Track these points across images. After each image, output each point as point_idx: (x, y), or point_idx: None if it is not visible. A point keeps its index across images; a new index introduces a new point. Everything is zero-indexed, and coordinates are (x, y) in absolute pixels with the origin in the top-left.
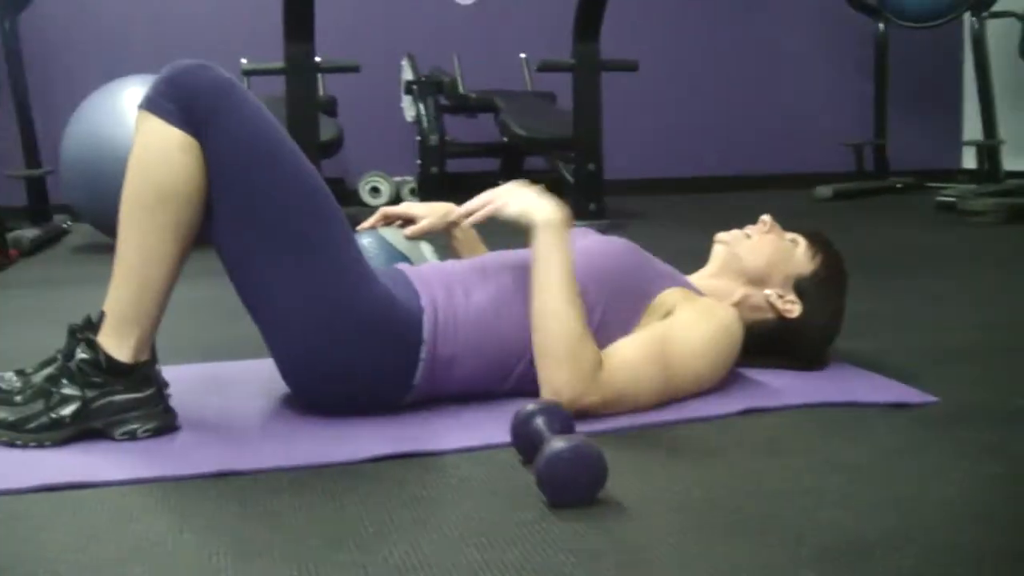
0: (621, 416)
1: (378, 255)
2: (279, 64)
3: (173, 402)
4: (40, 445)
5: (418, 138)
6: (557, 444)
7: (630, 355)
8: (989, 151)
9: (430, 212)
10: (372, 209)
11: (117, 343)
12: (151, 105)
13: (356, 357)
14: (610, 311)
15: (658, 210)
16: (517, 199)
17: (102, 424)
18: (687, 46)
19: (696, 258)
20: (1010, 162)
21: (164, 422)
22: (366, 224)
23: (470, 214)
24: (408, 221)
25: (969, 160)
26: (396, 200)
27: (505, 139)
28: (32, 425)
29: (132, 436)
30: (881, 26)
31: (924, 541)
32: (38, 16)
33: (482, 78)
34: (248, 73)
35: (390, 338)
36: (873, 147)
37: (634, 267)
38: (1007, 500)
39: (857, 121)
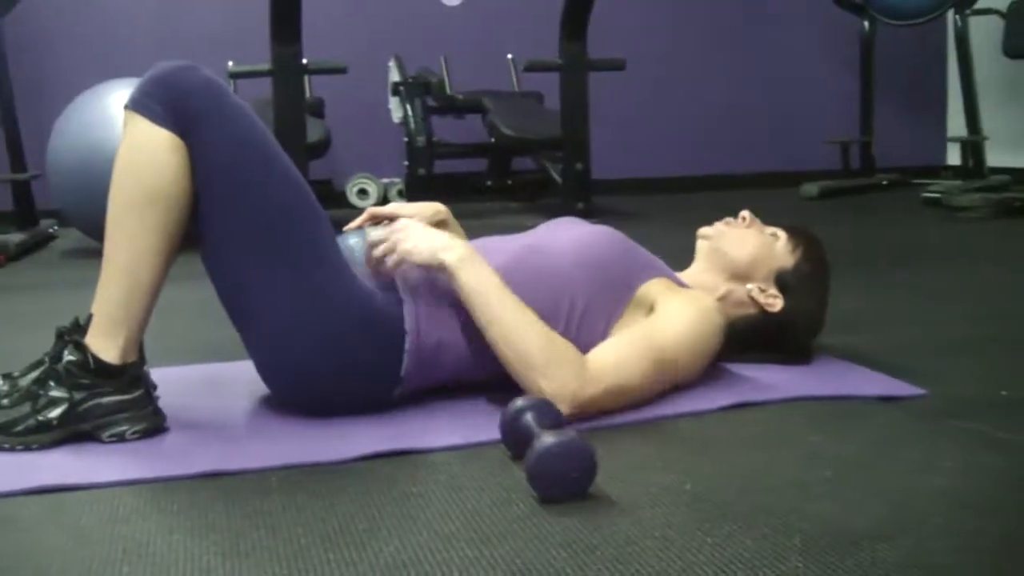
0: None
1: (365, 254)
2: (266, 66)
3: (162, 403)
4: (28, 448)
5: (405, 139)
6: (547, 439)
7: (618, 349)
8: (973, 147)
9: (417, 212)
10: (359, 211)
11: (105, 345)
12: (138, 106)
13: (339, 357)
14: (594, 299)
15: (645, 209)
16: (422, 244)
17: (90, 426)
18: (673, 46)
19: (683, 257)
20: (994, 158)
21: (153, 423)
22: (354, 224)
23: (380, 220)
24: (395, 221)
25: (954, 156)
26: (384, 201)
27: (493, 140)
28: (19, 428)
29: (121, 438)
30: (866, 24)
31: (913, 531)
32: (23, 18)
33: (469, 79)
34: (235, 75)
35: (372, 339)
36: (859, 145)
37: (619, 256)
38: (995, 490)
39: (843, 119)
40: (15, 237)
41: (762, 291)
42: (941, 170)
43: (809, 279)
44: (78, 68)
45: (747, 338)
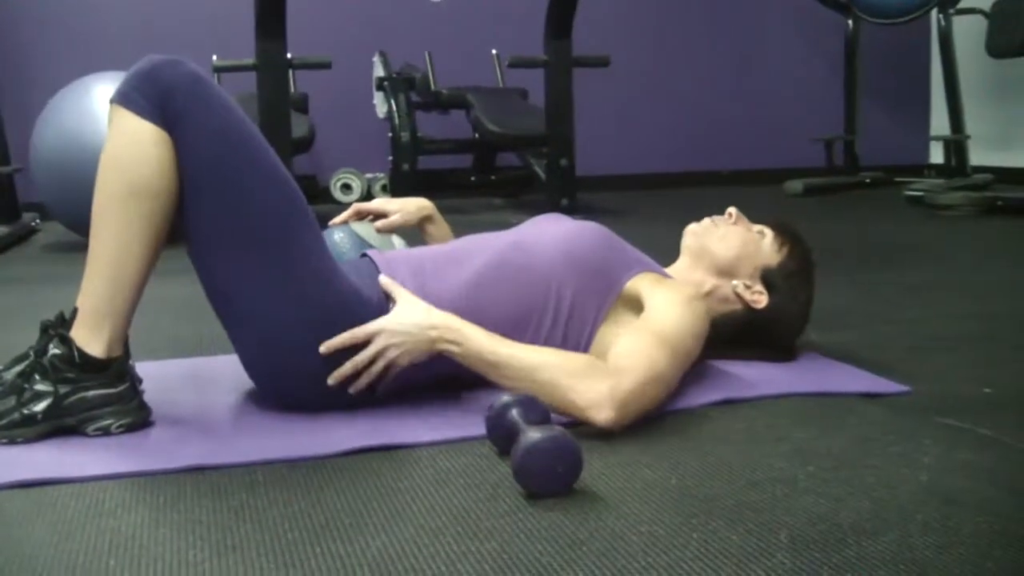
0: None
1: (350, 249)
2: (251, 61)
3: (147, 398)
4: (12, 442)
5: (390, 135)
6: (533, 435)
7: (631, 346)
8: (956, 146)
9: (402, 207)
10: (343, 206)
11: (90, 338)
12: (124, 100)
13: (323, 359)
14: (580, 296)
15: (630, 206)
16: (409, 344)
17: (75, 420)
18: (659, 42)
19: (668, 253)
20: (977, 157)
21: (138, 417)
22: (338, 219)
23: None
24: (380, 217)
25: (937, 155)
26: (368, 197)
27: (477, 135)
28: (4, 421)
29: (106, 432)
30: (850, 23)
31: (897, 527)
32: (7, 11)
33: (454, 75)
34: (219, 70)
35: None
36: (843, 142)
37: (605, 251)
38: (978, 485)
39: (827, 117)
40: None
41: (747, 288)
42: (924, 168)
43: (795, 277)
44: (62, 61)
45: (732, 334)
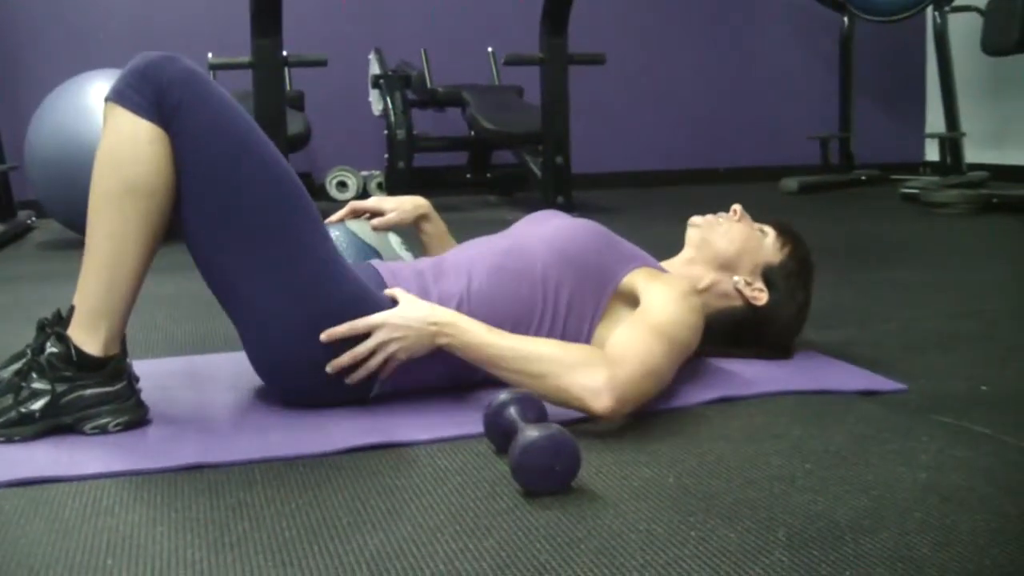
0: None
1: (346, 248)
2: (246, 59)
3: (144, 396)
4: (10, 440)
5: (386, 132)
6: (531, 433)
7: (628, 336)
8: (952, 143)
9: (398, 206)
10: (339, 203)
11: (87, 337)
12: (119, 97)
13: (324, 349)
14: (577, 293)
15: (625, 204)
16: (410, 340)
17: (72, 419)
18: (654, 40)
19: (664, 250)
20: (972, 154)
21: (135, 416)
22: (334, 217)
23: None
24: (377, 214)
25: (932, 153)
26: (363, 195)
27: (473, 133)
28: (1, 420)
29: (103, 430)
30: (846, 20)
31: (895, 525)
32: (1, 10)
33: (450, 72)
34: (215, 67)
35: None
36: (839, 140)
37: (601, 248)
38: (975, 483)
39: (823, 115)
40: None
41: (748, 284)
42: (920, 166)
43: (795, 277)
44: (57, 59)
45: (730, 330)
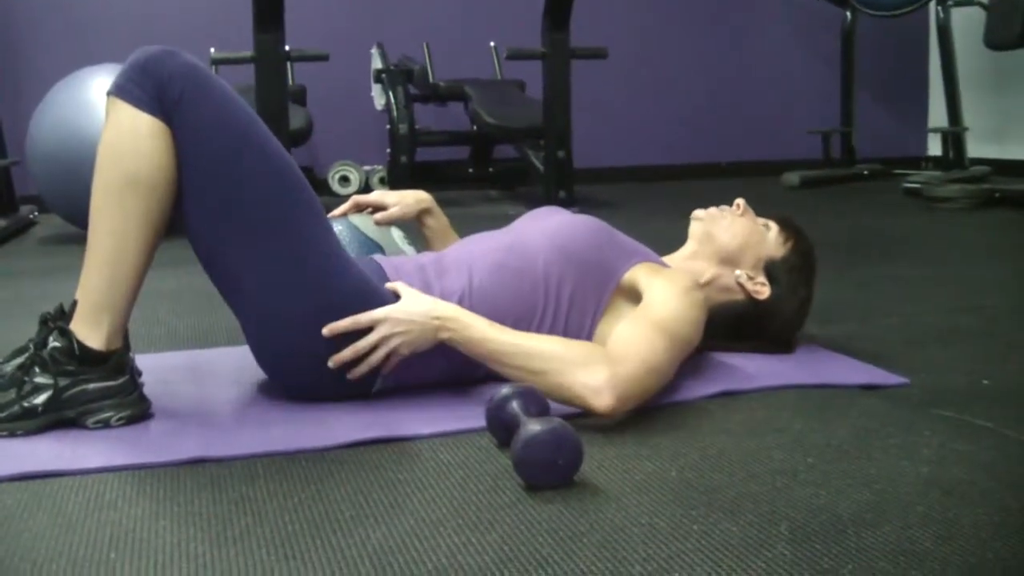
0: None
1: (349, 242)
2: (249, 53)
3: (147, 390)
4: (12, 434)
5: (388, 127)
6: (534, 427)
7: (630, 334)
8: (954, 138)
9: (401, 200)
10: (341, 198)
11: (90, 331)
12: (121, 91)
13: (327, 343)
14: (578, 290)
15: (627, 198)
16: (413, 335)
17: (75, 413)
18: (656, 35)
19: (666, 245)
20: (975, 149)
21: (138, 410)
22: (338, 212)
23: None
24: (379, 209)
25: (935, 147)
26: (366, 189)
27: (475, 128)
28: (4, 414)
29: (105, 424)
30: (848, 15)
31: (897, 518)
32: (3, 3)
33: (452, 67)
34: (217, 62)
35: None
36: (840, 135)
37: (601, 244)
38: (977, 477)
39: (824, 109)
40: None
41: (751, 278)
42: (922, 161)
43: (797, 272)
44: (59, 54)
45: (732, 324)
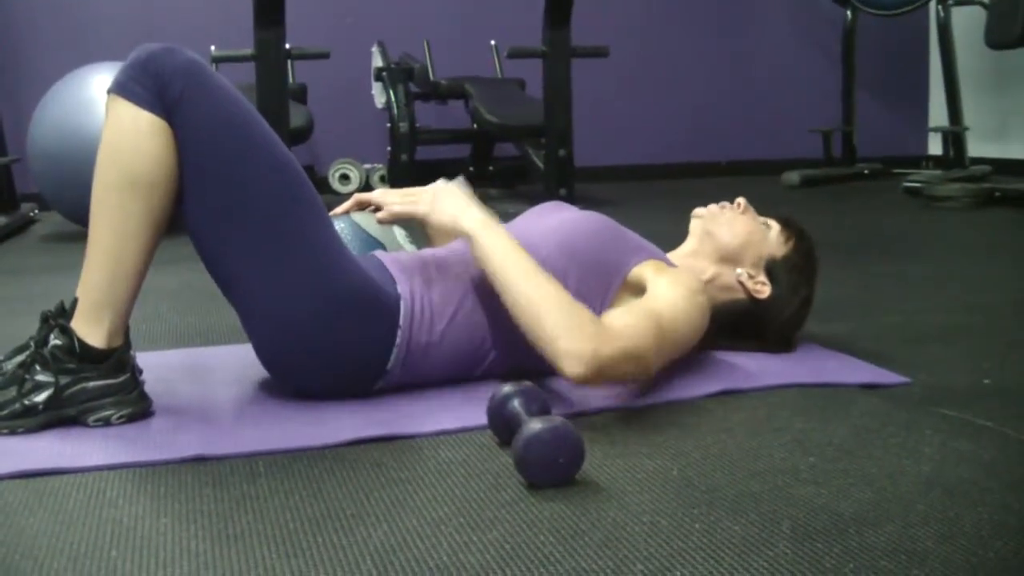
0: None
1: (351, 240)
2: (249, 51)
3: (147, 388)
4: (13, 432)
5: (388, 125)
6: (535, 425)
7: (626, 316)
8: (955, 137)
9: (403, 198)
10: (341, 196)
11: (91, 329)
12: (121, 89)
13: (329, 333)
14: (583, 285)
15: (627, 197)
16: (445, 206)
17: (76, 411)
18: (657, 33)
19: (666, 243)
20: (975, 148)
21: (139, 408)
22: (339, 209)
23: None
24: (381, 207)
25: (935, 147)
26: (366, 187)
27: (475, 126)
28: (5, 412)
29: (106, 422)
30: (849, 14)
31: (898, 517)
32: (3, 2)
33: (452, 65)
34: (217, 60)
35: (364, 317)
36: (841, 134)
37: (607, 241)
38: (979, 476)
39: (825, 108)
40: None
41: (751, 277)
42: (922, 160)
43: (798, 271)
44: (59, 52)
45: (732, 323)
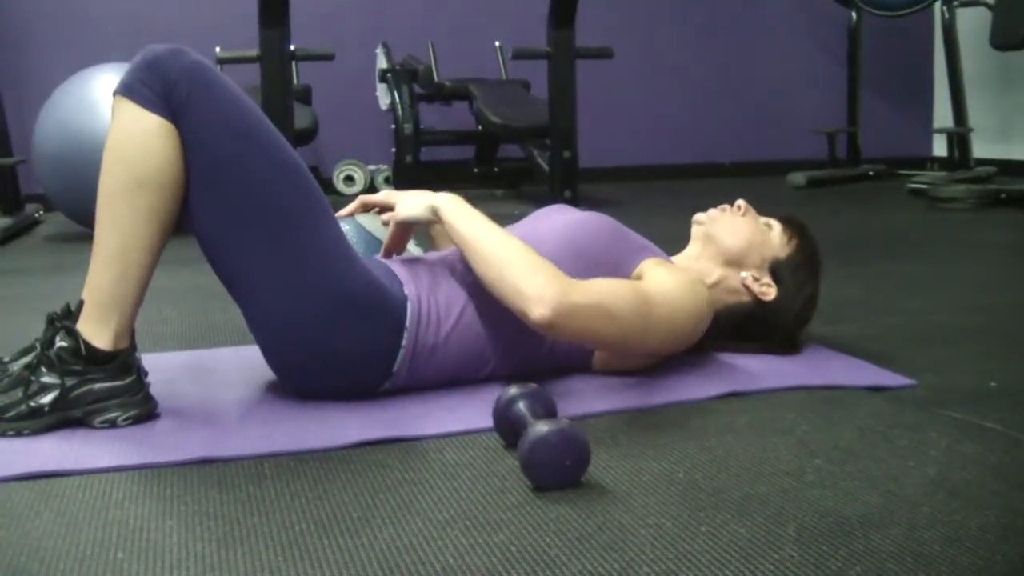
0: (606, 386)
1: (356, 242)
2: (254, 53)
3: (153, 390)
4: (19, 434)
5: (393, 126)
6: (541, 428)
7: (603, 280)
8: (959, 139)
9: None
10: (346, 198)
11: (96, 330)
12: (127, 90)
13: (336, 335)
14: None
15: (633, 198)
16: (414, 199)
17: (81, 412)
18: (662, 34)
19: (671, 244)
20: (980, 149)
21: (144, 410)
22: (344, 211)
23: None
24: (386, 209)
25: (940, 148)
26: (371, 189)
27: (480, 127)
28: (11, 414)
29: (112, 424)
30: (853, 15)
31: (904, 520)
32: (8, 3)
33: (457, 66)
34: (223, 62)
35: (371, 319)
36: (846, 135)
37: (611, 241)
38: (985, 479)
39: (830, 109)
40: (0, 222)
41: (756, 279)
42: (927, 161)
43: (802, 271)
44: (64, 53)
45: (738, 325)
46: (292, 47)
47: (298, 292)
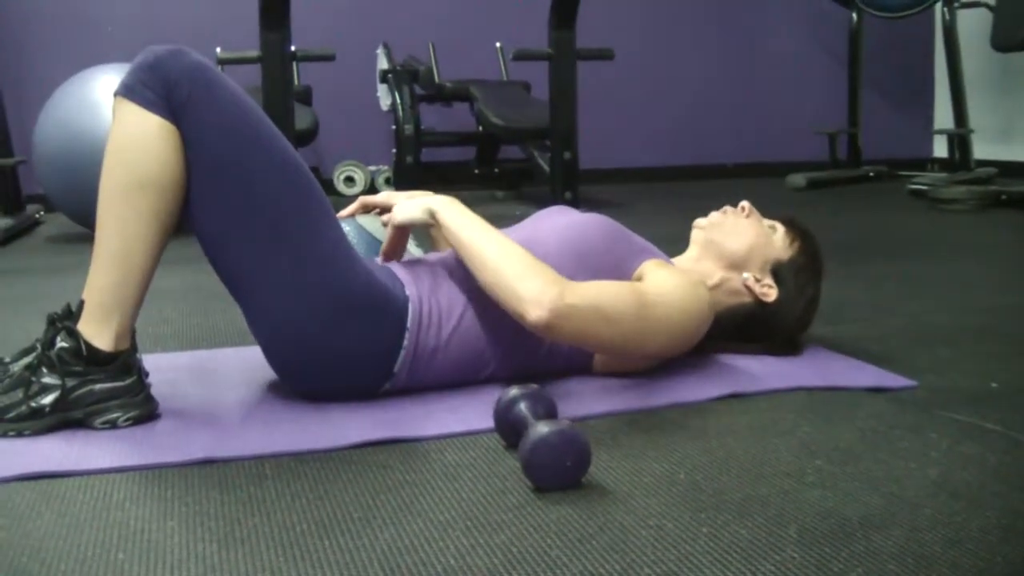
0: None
1: (357, 243)
2: (255, 53)
3: (154, 390)
4: (20, 434)
5: (393, 127)
6: (542, 429)
7: (600, 282)
8: (960, 140)
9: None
10: (346, 198)
11: (97, 331)
12: (128, 91)
13: (337, 335)
14: None
15: (633, 199)
16: (412, 202)
17: (82, 413)
18: (663, 35)
19: (672, 246)
20: (980, 150)
21: (145, 410)
22: (345, 212)
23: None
24: (386, 210)
25: (941, 149)
26: (371, 190)
27: (481, 128)
28: (11, 415)
29: (113, 425)
30: (854, 16)
31: (906, 521)
32: (9, 3)
33: (457, 67)
34: (223, 62)
35: (372, 319)
36: (846, 136)
37: (612, 243)
38: (985, 479)
39: (830, 110)
40: (1, 223)
41: (758, 281)
42: (928, 162)
43: (804, 273)
44: (65, 53)
45: (739, 326)
46: (293, 48)
47: (299, 292)
